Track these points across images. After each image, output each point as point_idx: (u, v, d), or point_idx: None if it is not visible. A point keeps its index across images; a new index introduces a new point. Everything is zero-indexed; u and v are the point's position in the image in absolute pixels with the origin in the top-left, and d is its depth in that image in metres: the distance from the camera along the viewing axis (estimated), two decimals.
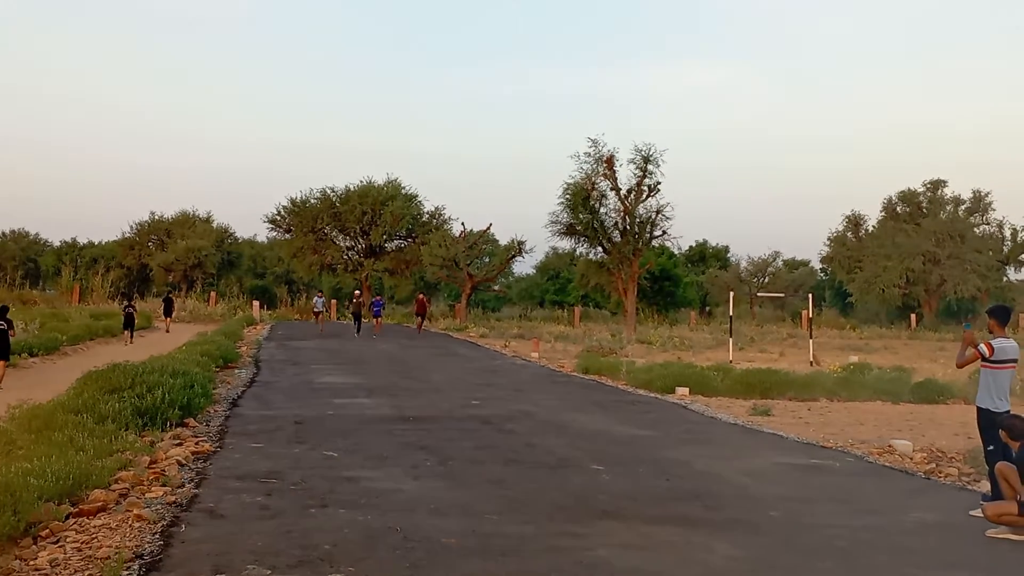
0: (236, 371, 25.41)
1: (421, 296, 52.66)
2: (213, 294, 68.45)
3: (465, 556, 7.96)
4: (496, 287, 77.05)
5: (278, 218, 72.08)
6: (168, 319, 47.69)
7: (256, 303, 64.17)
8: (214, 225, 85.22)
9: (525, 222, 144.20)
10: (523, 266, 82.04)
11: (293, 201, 71.57)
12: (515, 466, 12.43)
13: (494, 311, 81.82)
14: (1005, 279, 69.48)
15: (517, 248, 65.93)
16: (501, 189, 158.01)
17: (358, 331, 44.24)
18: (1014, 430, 9.10)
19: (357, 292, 48.99)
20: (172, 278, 78.84)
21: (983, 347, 10.16)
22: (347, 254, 72.21)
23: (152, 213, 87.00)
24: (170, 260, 79.93)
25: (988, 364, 10.22)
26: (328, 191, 71.17)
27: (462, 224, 68.70)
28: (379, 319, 47.34)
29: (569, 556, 8.05)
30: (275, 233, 75.60)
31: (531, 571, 7.56)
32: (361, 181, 71.20)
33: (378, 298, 49.42)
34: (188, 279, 79.65)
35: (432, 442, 14.19)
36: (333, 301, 52.90)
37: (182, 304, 59.60)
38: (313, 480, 11.05)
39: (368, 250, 70.92)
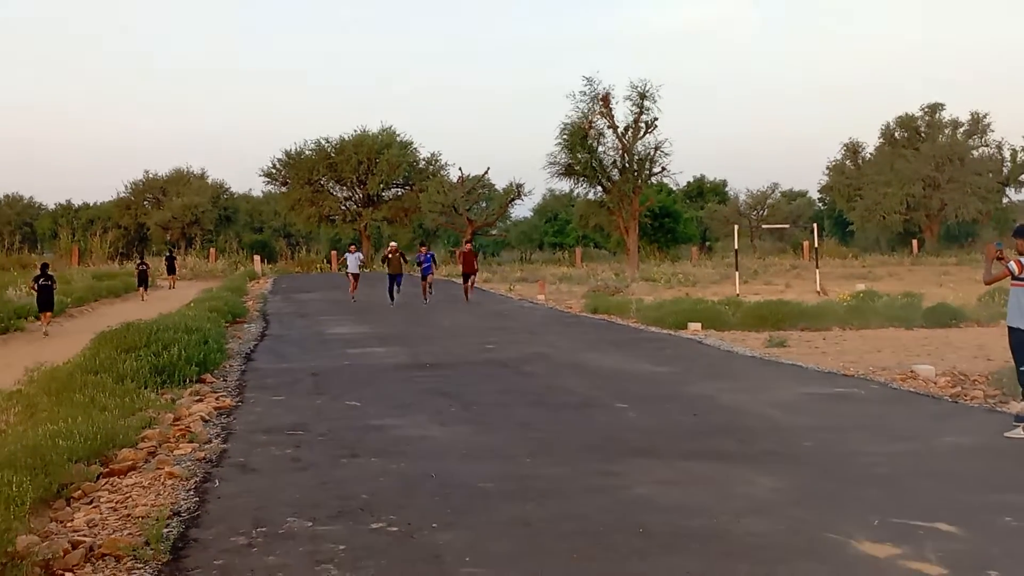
0: (245, 326, 25.30)
1: (468, 246, 35.01)
2: (212, 250, 68.21)
3: (505, 499, 7.89)
4: (495, 231, 76.79)
5: (274, 171, 71.74)
6: (172, 276, 47.79)
7: (257, 257, 63.96)
8: (209, 181, 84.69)
9: (522, 165, 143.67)
10: (521, 209, 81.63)
11: (288, 154, 71.18)
12: (539, 408, 12.35)
13: (494, 255, 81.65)
14: (1006, 200, 69.23)
15: (516, 191, 65.65)
16: (497, 132, 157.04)
17: (393, 298, 31.44)
18: None
19: (393, 244, 33.21)
20: (170, 236, 78.51)
21: (1013, 265, 10.02)
22: (344, 204, 71.89)
23: (146, 172, 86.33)
24: (167, 218, 79.54)
25: (1017, 282, 10.08)
26: (323, 142, 70.73)
27: (460, 169, 68.33)
28: (429, 279, 32.97)
29: (609, 495, 7.97)
30: (271, 187, 75.31)
31: (574, 512, 7.48)
32: (356, 130, 70.74)
33: (425, 250, 33.96)
34: (186, 236, 79.34)
35: (452, 388, 14.10)
36: (359, 256, 35.93)
37: (182, 262, 59.38)
38: (339, 431, 10.97)
39: (366, 200, 70.59)
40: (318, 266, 66.12)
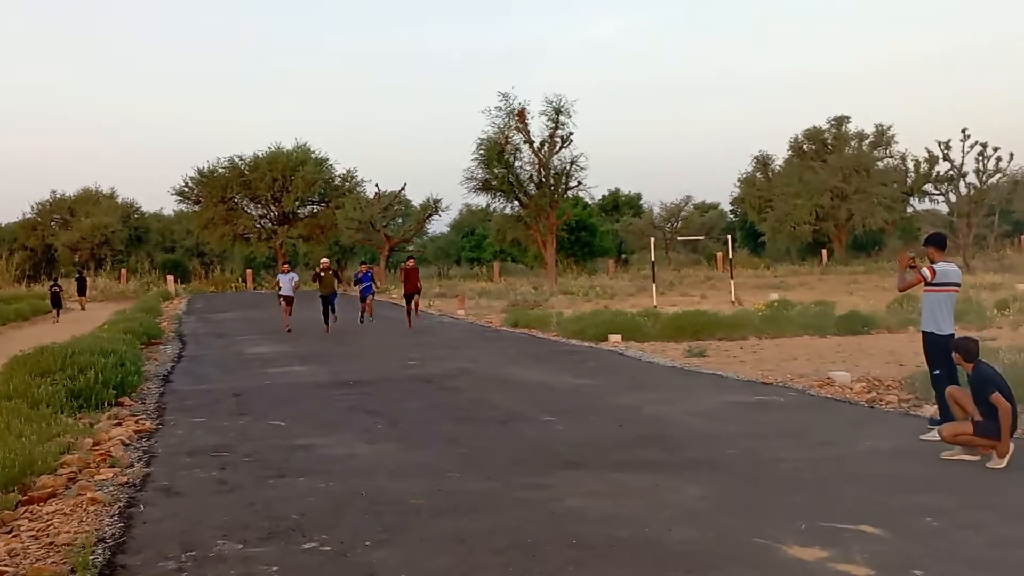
0: (161, 347, 24.86)
1: (411, 262, 30.06)
2: (123, 271, 66.83)
3: (437, 515, 7.87)
4: (412, 247, 76.59)
5: (186, 190, 70.53)
6: (83, 298, 46.83)
7: (170, 277, 62.86)
8: (119, 201, 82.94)
9: (439, 181, 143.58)
10: (438, 225, 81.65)
11: (200, 171, 70.05)
12: (466, 423, 12.36)
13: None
14: (910, 210, 71.04)
15: (433, 207, 65.59)
16: (412, 150, 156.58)
17: (328, 321, 28.07)
18: (969, 352, 9.27)
19: (325, 261, 30.24)
20: (79, 257, 76.65)
21: (926, 271, 10.32)
22: (259, 222, 71.01)
23: (53, 192, 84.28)
24: (75, 239, 77.65)
25: (931, 288, 10.38)
26: (236, 159, 69.81)
27: (376, 186, 67.99)
28: (369, 300, 29.99)
29: (540, 508, 8.01)
30: (184, 205, 73.99)
31: (506, 526, 7.50)
32: (269, 148, 69.97)
33: (367, 268, 31.06)
34: (96, 257, 77.55)
35: (377, 405, 14.04)
36: (293, 276, 29.14)
37: (93, 283, 58.04)
38: (265, 451, 10.85)
39: (281, 217, 69.83)
40: (233, 285, 65.22)
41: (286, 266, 30.75)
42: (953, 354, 9.51)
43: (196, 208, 71.52)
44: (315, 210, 71.48)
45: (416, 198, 75.59)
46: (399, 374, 17.51)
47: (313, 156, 69.84)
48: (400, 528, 7.53)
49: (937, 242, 10.70)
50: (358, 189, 69.38)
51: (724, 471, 9.18)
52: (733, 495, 8.25)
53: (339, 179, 71.22)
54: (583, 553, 6.74)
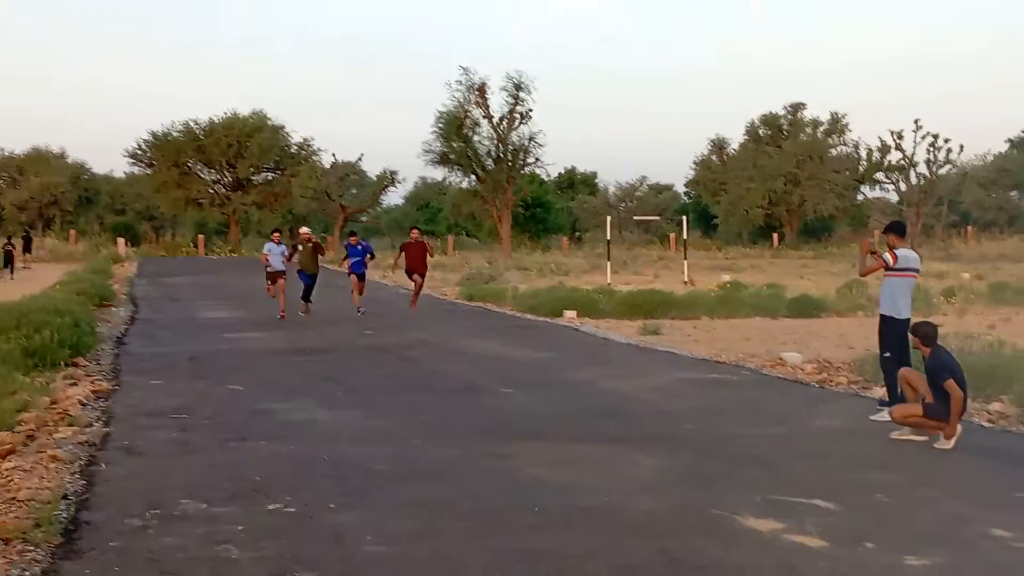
0: (113, 310, 24.64)
1: (416, 233, 24.59)
2: (73, 232, 65.91)
3: (400, 481, 7.98)
4: (366, 218, 76.27)
5: (139, 152, 69.62)
6: (28, 255, 46.33)
7: (121, 240, 62.08)
8: (69, 161, 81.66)
9: (395, 153, 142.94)
10: (392, 197, 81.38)
11: (155, 135, 69.15)
12: (425, 392, 12.47)
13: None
14: (861, 197, 72.06)
15: (390, 178, 65.40)
16: (370, 120, 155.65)
17: (307, 298, 22.95)
18: (928, 337, 9.50)
19: (306, 231, 24.55)
20: (27, 217, 75.47)
21: (888, 256, 10.56)
22: (213, 188, 70.32)
23: (1, 150, 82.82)
24: (24, 198, 76.37)
25: (891, 273, 10.64)
26: (191, 124, 68.98)
27: (333, 155, 67.61)
28: (361, 279, 23.44)
29: (502, 477, 8.15)
30: (136, 168, 73.04)
31: (469, 493, 7.63)
32: (225, 113, 69.22)
33: (357, 240, 23.83)
34: (44, 217, 76.40)
35: (336, 373, 14.11)
36: (284, 248, 22.97)
37: (39, 243, 57.21)
38: (225, 414, 10.89)
39: (235, 183, 69.22)
40: (184, 250, 64.60)
41: (277, 234, 23.35)
42: (912, 338, 9.73)
43: (149, 171, 70.66)
44: (270, 177, 70.93)
45: (372, 169, 75.29)
46: (356, 343, 17.56)
47: (269, 123, 69.24)
48: (364, 492, 7.63)
49: (898, 229, 11.00)
50: (314, 158, 68.95)
51: (681, 445, 9.37)
52: (690, 468, 8.44)
53: (295, 147, 70.69)
54: (545, 520, 6.89)
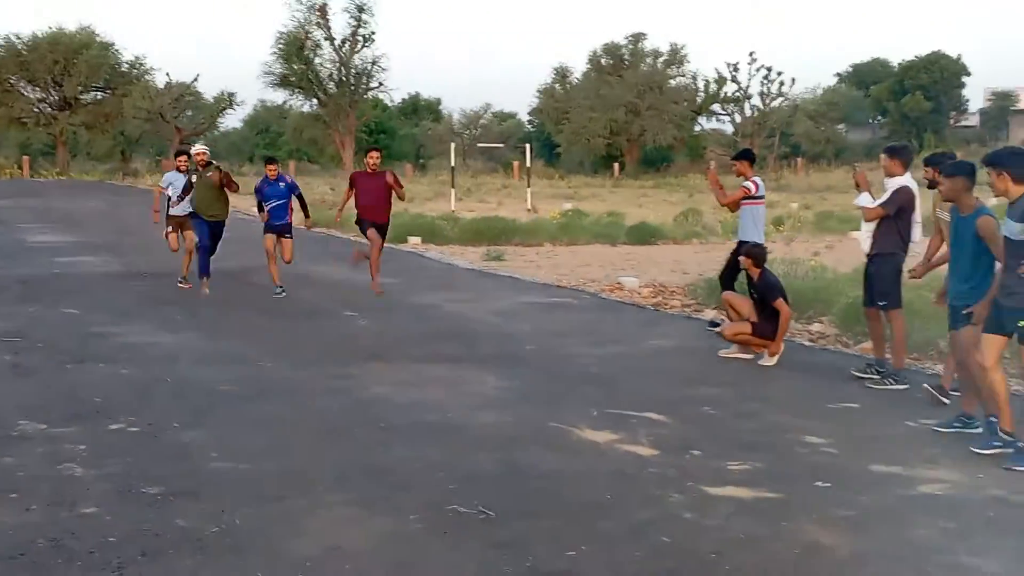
0: None
1: (372, 160, 14.32)
2: None
3: (246, 400, 8.04)
4: (202, 142, 74.01)
5: None
6: None
7: None
8: None
9: (234, 77, 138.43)
10: (231, 120, 79.04)
11: None
12: (269, 315, 12.43)
13: None
14: (698, 128, 73.87)
15: (228, 100, 63.49)
16: (208, 39, 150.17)
17: (206, 268, 14.54)
18: (759, 259, 9.98)
19: (201, 150, 15.01)
20: None
21: (750, 184, 11.05)
22: (38, 107, 66.84)
23: None
24: None
25: (751, 200, 11.13)
26: (13, 38, 65.18)
27: (167, 75, 65.09)
28: (289, 243, 14.73)
29: (348, 395, 8.30)
30: None
31: (316, 410, 7.76)
32: (50, 28, 65.60)
33: (276, 172, 14.67)
34: None
35: (174, 296, 13.92)
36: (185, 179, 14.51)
37: None
38: (60, 338, 10.63)
39: (62, 103, 65.93)
40: (8, 172, 61.45)
41: (182, 159, 15.14)
42: (743, 259, 10.16)
43: None
44: (99, 97, 67.82)
45: (209, 91, 72.89)
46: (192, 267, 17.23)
47: (98, 40, 66.04)
48: (209, 411, 7.67)
49: (750, 157, 11.57)
50: (147, 78, 66.21)
51: (522, 365, 9.68)
52: (531, 386, 8.75)
53: (126, 66, 67.69)
54: (392, 435, 7.08)
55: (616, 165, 70.07)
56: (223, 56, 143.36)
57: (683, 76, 72.83)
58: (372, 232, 14.11)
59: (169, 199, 14.91)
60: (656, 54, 73.61)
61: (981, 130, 72.36)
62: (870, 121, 77.43)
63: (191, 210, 14.50)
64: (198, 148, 14.95)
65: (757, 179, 11.17)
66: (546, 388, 8.68)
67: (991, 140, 60.68)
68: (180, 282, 14.92)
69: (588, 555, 5.02)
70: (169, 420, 7.35)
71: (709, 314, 12.55)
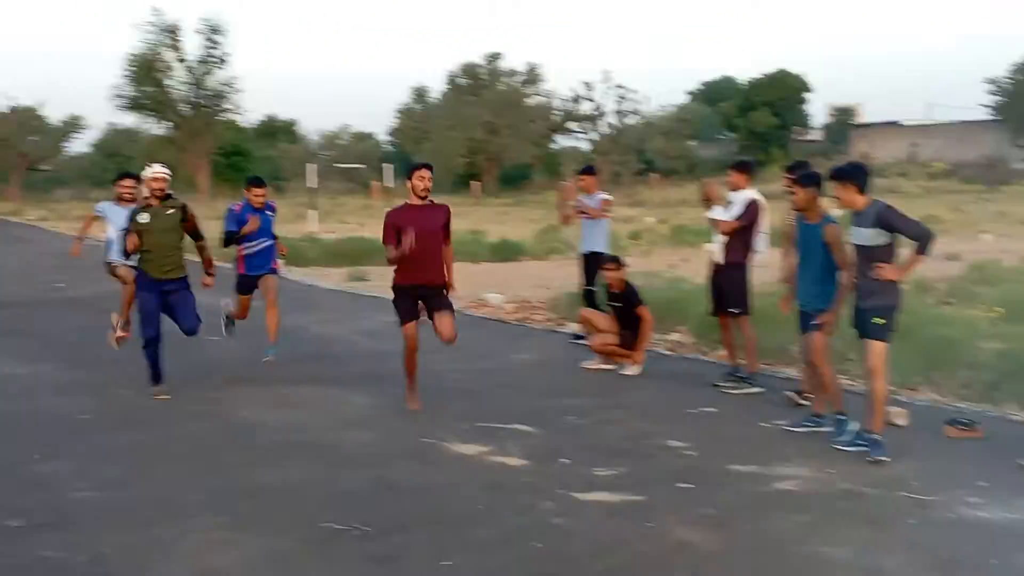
0: None
1: (420, 182, 8.74)
2: None
3: (108, 429, 7.89)
4: (49, 167, 71.57)
5: None
6: None
7: None
8: None
9: (82, 101, 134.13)
10: (78, 144, 76.67)
11: None
12: (126, 343, 12.13)
13: (47, 193, 76.04)
14: (555, 146, 75.03)
15: (74, 124, 61.58)
16: (52, 67, 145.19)
17: (152, 353, 9.29)
18: (624, 267, 10.31)
19: (157, 173, 9.16)
20: None
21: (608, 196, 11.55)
22: None
23: None
24: None
25: (584, 214, 11.55)
26: None
27: (11, 100, 62.73)
28: (273, 284, 10.79)
29: (216, 419, 8.22)
30: None
31: (183, 436, 7.67)
32: None
33: (261, 197, 10.53)
34: None
35: (28, 326, 13.49)
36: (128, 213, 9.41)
37: None
38: None
39: None
40: None
41: (128, 183, 11.20)
42: (608, 272, 10.37)
43: None
44: None
45: (56, 115, 70.46)
46: (48, 296, 16.73)
47: None
48: (71, 442, 7.50)
49: (594, 171, 11.97)
50: None
51: (391, 383, 9.70)
52: (400, 403, 8.80)
53: None
54: (262, 457, 7.06)
55: (479, 184, 70.58)
56: (70, 79, 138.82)
57: (540, 95, 73.88)
58: (443, 320, 8.79)
59: (108, 243, 11.08)
60: (513, 73, 74.51)
61: (824, 144, 75.41)
62: (720, 137, 79.85)
63: (128, 263, 10.10)
64: (155, 171, 9.30)
65: (605, 195, 11.69)
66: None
67: (834, 154, 63.27)
68: (116, 331, 10.85)
69: (463, 564, 5.13)
70: (29, 452, 7.16)
71: (572, 327, 12.83)
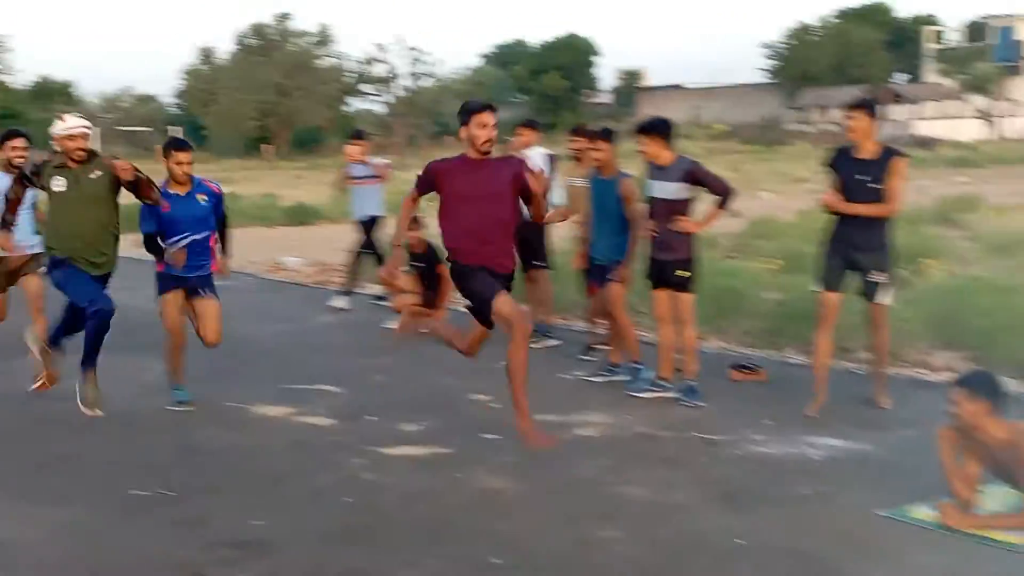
0: None
1: (483, 128, 6.20)
2: None
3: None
4: None
5: None
6: None
7: None
8: None
9: None
10: None
11: None
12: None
13: None
14: (348, 108, 74.18)
15: None
16: None
17: (58, 340, 7.89)
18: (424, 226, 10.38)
19: (78, 131, 7.30)
20: None
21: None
22: None
23: None
24: None
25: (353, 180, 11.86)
26: None
27: None
28: (209, 290, 8.09)
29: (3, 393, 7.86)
30: None
31: None
32: None
33: (191, 171, 8.05)
34: None
35: None
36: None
37: None
38: None
39: None
40: None
41: (16, 144, 8.58)
42: (412, 233, 10.40)
43: None
44: None
45: None
46: None
47: None
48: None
49: (363, 136, 12.30)
50: None
51: (191, 349, 9.50)
52: (200, 368, 8.57)
53: None
54: (57, 429, 6.93)
55: (271, 147, 69.08)
56: None
57: (332, 57, 72.80)
58: (503, 303, 6.32)
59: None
60: (304, 34, 73.09)
61: (613, 107, 77.49)
62: (513, 100, 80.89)
63: (33, 246, 8.47)
64: (72, 124, 7.40)
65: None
66: (218, 368, 8.58)
67: (622, 116, 65.12)
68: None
69: (273, 523, 5.14)
70: None
71: (372, 289, 12.85)
